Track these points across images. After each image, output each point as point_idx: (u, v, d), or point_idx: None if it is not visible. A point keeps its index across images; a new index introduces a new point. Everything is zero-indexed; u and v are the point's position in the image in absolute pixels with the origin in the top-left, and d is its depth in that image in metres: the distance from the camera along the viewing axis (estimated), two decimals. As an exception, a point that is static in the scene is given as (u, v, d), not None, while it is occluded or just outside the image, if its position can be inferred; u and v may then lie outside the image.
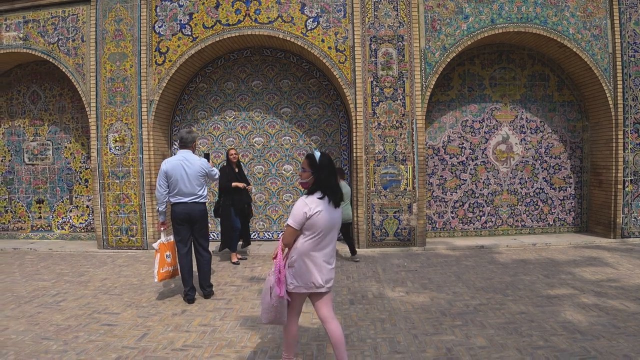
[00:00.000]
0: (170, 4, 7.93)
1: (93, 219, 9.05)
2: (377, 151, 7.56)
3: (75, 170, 9.09)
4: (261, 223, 8.62)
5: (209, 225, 7.91)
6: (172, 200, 5.02)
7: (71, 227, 9.21)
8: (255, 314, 4.52)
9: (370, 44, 7.54)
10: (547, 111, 8.44)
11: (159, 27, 7.94)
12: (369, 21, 7.53)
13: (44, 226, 9.32)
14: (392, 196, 7.58)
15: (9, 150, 9.38)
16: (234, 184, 6.75)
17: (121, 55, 7.96)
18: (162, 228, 5.20)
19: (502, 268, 6.16)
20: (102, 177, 8.05)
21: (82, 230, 9.15)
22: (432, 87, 7.60)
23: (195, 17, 7.84)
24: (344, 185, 6.50)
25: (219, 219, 7.19)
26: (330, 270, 3.01)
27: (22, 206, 9.36)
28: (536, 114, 8.40)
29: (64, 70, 8.24)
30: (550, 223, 8.48)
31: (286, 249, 3.03)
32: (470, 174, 8.42)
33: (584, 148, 8.51)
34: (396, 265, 6.51)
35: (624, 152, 7.69)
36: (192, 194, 4.97)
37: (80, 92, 8.19)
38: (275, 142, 8.48)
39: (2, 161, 9.42)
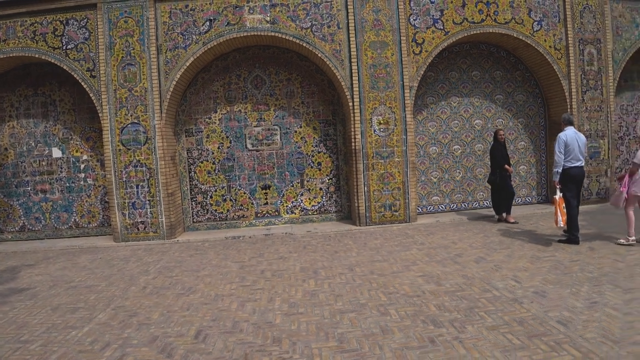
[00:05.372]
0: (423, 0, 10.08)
1: (327, 201, 10.54)
2: (585, 129, 10.82)
3: (307, 154, 10.43)
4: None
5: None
6: (567, 164, 7.39)
7: (302, 211, 10.47)
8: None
9: (579, 45, 10.74)
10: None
11: (414, 20, 9.83)
12: (577, 26, 10.63)
13: (270, 212, 10.42)
14: (595, 164, 10.99)
15: (227, 137, 10.30)
16: (506, 166, 9.43)
17: (382, 44, 9.63)
18: (558, 186, 7.54)
19: None
20: (366, 158, 9.68)
21: (315, 213, 10.49)
22: (617, 79, 11.27)
23: (445, 14, 9.93)
24: None
25: (496, 188, 9.61)
26: None
27: (245, 193, 10.33)
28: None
29: (319, 55, 9.50)
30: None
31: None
32: (626, 145, 12.19)
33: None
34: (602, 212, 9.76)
35: None
36: (581, 160, 7.48)
37: (339, 77, 9.56)
38: (491, 124, 11.04)
39: (219, 148, 10.29)
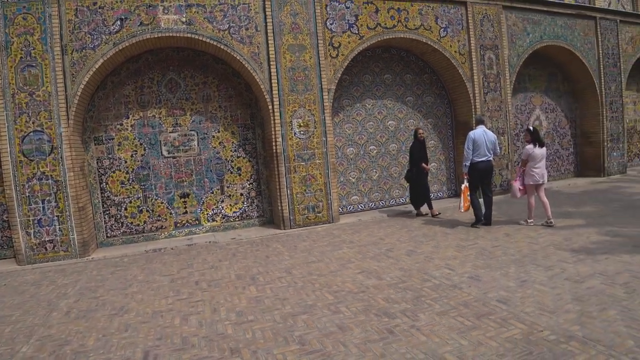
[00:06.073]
0: (339, 5, 10.13)
1: (248, 206, 10.43)
2: (488, 127, 11.44)
3: (226, 159, 10.21)
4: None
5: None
6: (475, 159, 8.44)
7: (224, 218, 10.25)
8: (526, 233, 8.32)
9: (480, 50, 11.58)
10: (557, 97, 14.18)
11: (330, 24, 10.05)
12: (478, 33, 11.49)
13: (190, 221, 10.06)
14: (497, 159, 11.85)
15: (141, 144, 9.73)
16: (422, 165, 10.00)
17: (300, 47, 9.75)
18: (466, 177, 8.59)
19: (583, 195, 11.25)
20: (287, 161, 9.72)
21: (237, 220, 10.32)
22: (513, 81, 12.34)
23: (360, 19, 10.28)
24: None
25: (414, 184, 10.17)
26: (542, 175, 8.21)
27: (162, 203, 9.85)
28: (552, 99, 14.01)
29: (238, 57, 9.36)
30: (562, 172, 14.57)
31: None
32: (521, 141, 13.38)
33: (576, 121, 14.60)
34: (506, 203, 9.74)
35: (605, 122, 14.14)
36: (487, 155, 8.47)
37: (258, 80, 9.49)
38: (404, 124, 11.63)
39: (132, 156, 9.68)
